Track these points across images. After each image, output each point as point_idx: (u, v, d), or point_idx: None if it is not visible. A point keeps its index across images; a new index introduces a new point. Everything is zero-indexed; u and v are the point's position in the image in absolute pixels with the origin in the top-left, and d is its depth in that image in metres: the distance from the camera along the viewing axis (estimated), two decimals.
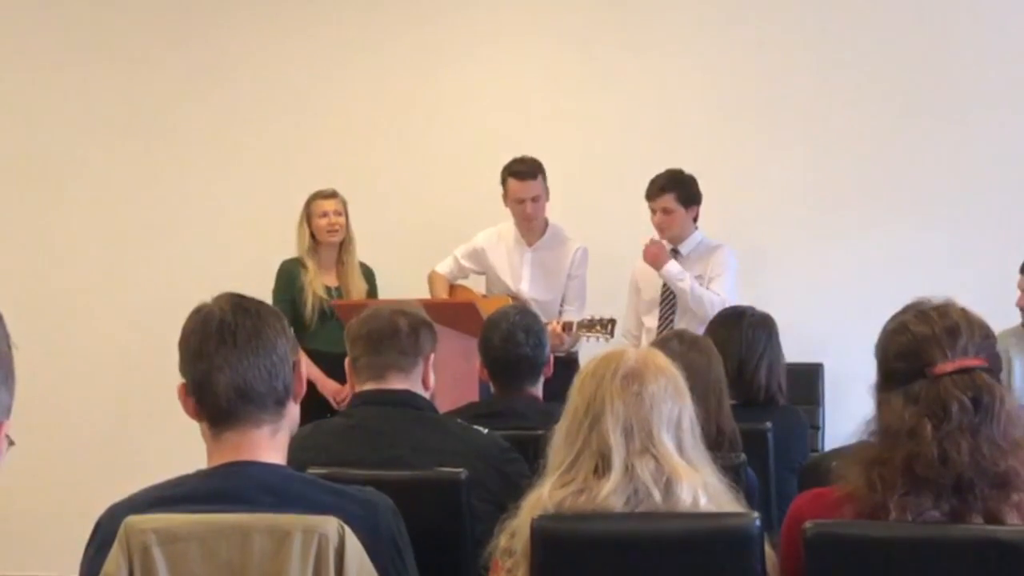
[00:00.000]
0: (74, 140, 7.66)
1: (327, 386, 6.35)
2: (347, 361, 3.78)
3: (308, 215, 6.68)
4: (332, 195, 6.70)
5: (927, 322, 2.68)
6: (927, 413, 2.59)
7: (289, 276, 6.63)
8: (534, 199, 6.66)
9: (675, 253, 6.64)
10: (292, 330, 2.74)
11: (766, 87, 7.18)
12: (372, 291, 6.74)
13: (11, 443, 1.71)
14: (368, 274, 6.82)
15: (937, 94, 7.06)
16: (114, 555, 2.45)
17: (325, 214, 6.66)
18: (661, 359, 2.89)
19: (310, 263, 6.65)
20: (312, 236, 6.68)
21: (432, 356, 3.74)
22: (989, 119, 7.01)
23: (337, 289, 6.68)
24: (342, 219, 6.69)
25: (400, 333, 3.67)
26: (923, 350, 2.64)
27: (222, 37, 7.63)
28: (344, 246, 6.74)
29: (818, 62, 7.15)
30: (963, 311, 2.72)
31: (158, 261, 7.57)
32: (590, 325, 6.42)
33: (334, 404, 6.20)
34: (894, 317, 2.80)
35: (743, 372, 4.65)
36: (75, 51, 7.68)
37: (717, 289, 6.42)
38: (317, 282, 6.60)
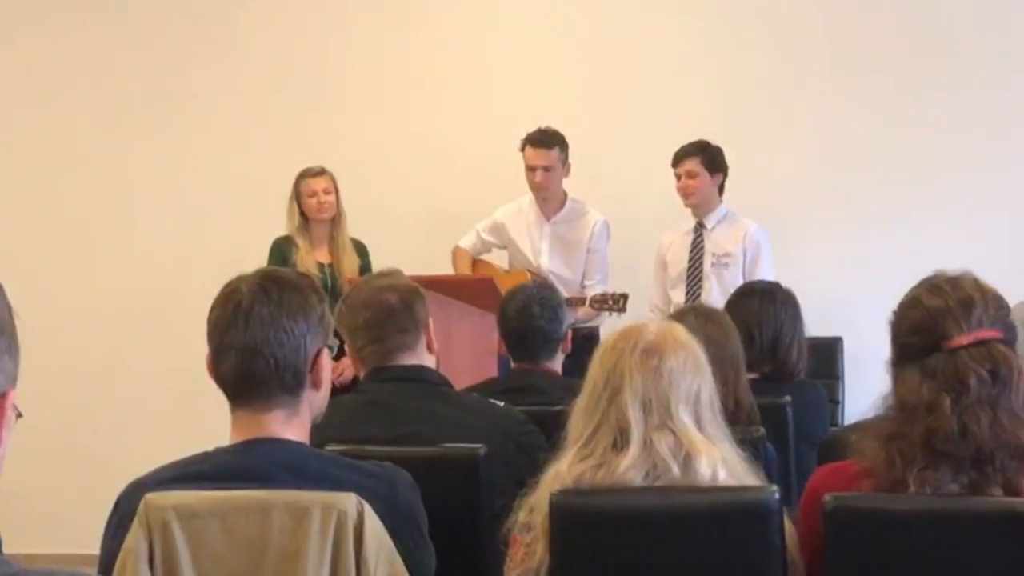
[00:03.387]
0: (74, 117, 7.68)
1: None
2: (349, 350, 3.75)
3: (297, 194, 6.66)
4: (321, 173, 6.67)
5: (940, 295, 2.67)
6: (945, 387, 2.58)
7: (280, 254, 6.60)
8: (545, 168, 6.65)
9: (700, 227, 6.64)
10: (328, 316, 2.70)
11: (786, 59, 7.15)
12: (366, 266, 6.68)
13: (19, 415, 1.71)
14: (361, 249, 6.80)
15: (961, 65, 7.02)
16: (134, 532, 2.47)
17: (314, 194, 6.64)
18: (681, 333, 2.88)
19: (301, 241, 6.64)
20: (302, 214, 6.67)
21: (429, 320, 3.72)
22: (1009, 90, 6.98)
23: (330, 265, 6.66)
24: (331, 197, 6.66)
25: (395, 312, 3.63)
26: (938, 324, 2.63)
27: (216, 13, 7.62)
28: (335, 222, 6.71)
29: (839, 33, 7.12)
30: (976, 282, 2.71)
31: (162, 240, 7.57)
32: (602, 300, 6.42)
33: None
34: (908, 291, 2.79)
35: (777, 348, 4.64)
36: (73, 32, 7.70)
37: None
38: (309, 259, 6.58)
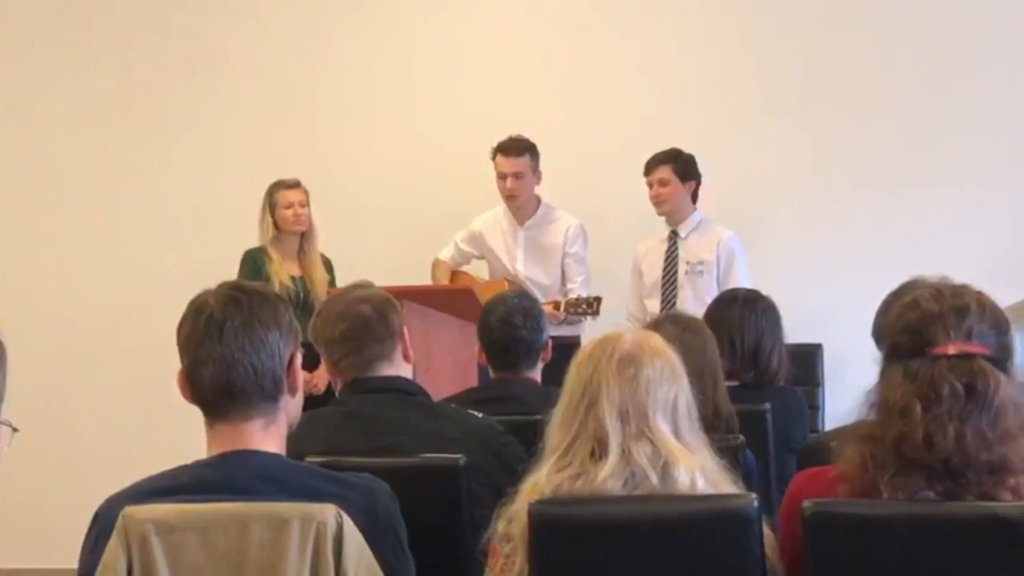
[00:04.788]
0: (63, 127, 7.67)
1: None
2: (326, 363, 3.77)
3: (272, 205, 6.65)
4: (296, 185, 6.68)
5: (939, 301, 2.65)
6: (919, 393, 2.57)
7: (254, 265, 6.60)
8: (516, 175, 6.72)
9: (674, 235, 6.65)
10: (295, 322, 2.72)
11: (763, 65, 7.17)
12: (332, 282, 6.68)
13: (14, 429, 1.72)
14: (328, 265, 6.80)
15: (938, 69, 7.04)
16: (112, 546, 2.46)
17: (290, 205, 6.64)
18: (658, 342, 2.88)
19: (274, 253, 6.64)
20: (275, 226, 6.66)
21: (404, 330, 3.74)
22: (987, 94, 7.01)
23: (301, 278, 6.66)
24: (306, 210, 6.67)
25: (370, 323, 3.66)
26: (928, 328, 2.62)
27: (195, 27, 7.62)
28: (307, 235, 6.72)
29: (816, 39, 7.15)
30: (979, 295, 2.68)
31: (153, 248, 7.57)
32: (576, 304, 6.45)
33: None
34: (908, 288, 2.78)
35: (758, 356, 4.65)
36: (64, 37, 7.69)
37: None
38: (282, 271, 6.58)
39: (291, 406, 2.70)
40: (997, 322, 2.66)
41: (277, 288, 6.42)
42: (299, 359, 2.70)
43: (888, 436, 2.58)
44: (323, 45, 7.53)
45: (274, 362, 2.62)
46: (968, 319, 2.62)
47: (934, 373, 2.58)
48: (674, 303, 6.54)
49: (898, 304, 2.75)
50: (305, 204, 6.67)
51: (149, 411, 7.28)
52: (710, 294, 6.20)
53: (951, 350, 2.59)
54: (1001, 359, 2.64)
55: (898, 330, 2.69)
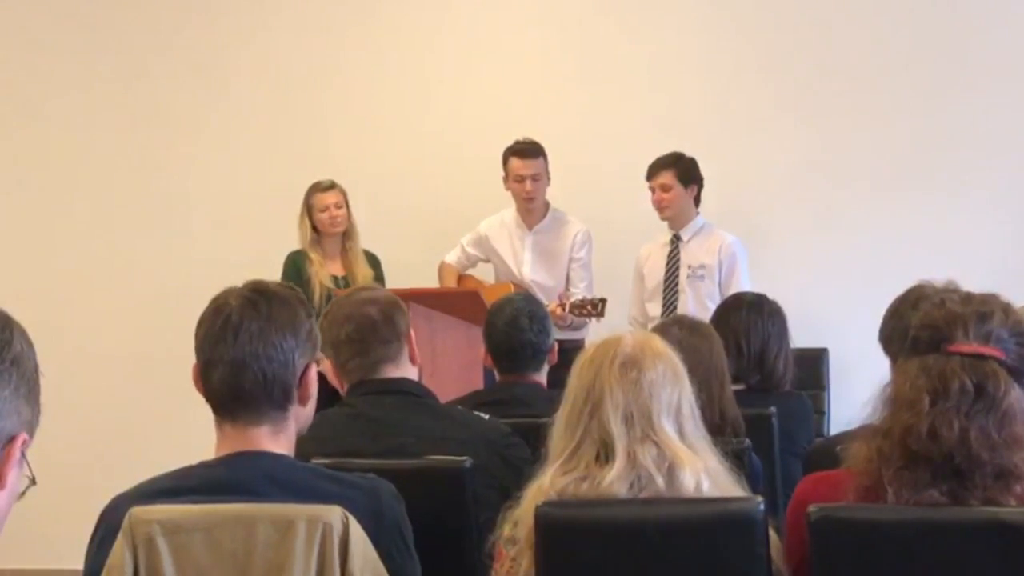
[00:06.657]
0: (74, 130, 7.67)
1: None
2: (332, 364, 3.76)
3: (308, 208, 6.71)
4: (331, 187, 6.72)
5: (966, 304, 2.67)
6: (929, 387, 2.58)
7: (295, 267, 6.64)
8: (534, 177, 6.73)
9: (676, 239, 6.65)
10: (315, 330, 2.69)
11: (767, 68, 7.17)
12: (378, 277, 6.75)
13: (33, 482, 1.75)
14: (373, 261, 6.83)
15: (941, 73, 7.03)
16: (118, 546, 2.46)
17: (326, 208, 6.68)
18: (658, 344, 2.88)
19: (314, 255, 6.67)
20: (314, 228, 6.70)
21: (411, 332, 3.74)
22: (992, 99, 7.00)
23: (344, 278, 6.68)
24: (343, 211, 6.71)
25: (377, 325, 3.66)
26: (948, 326, 2.64)
27: (223, 26, 7.63)
28: (347, 235, 6.76)
29: (820, 42, 7.14)
30: (1007, 305, 2.70)
31: (163, 252, 7.57)
32: (581, 306, 6.45)
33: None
34: (915, 292, 2.79)
35: (764, 360, 4.66)
36: (74, 40, 7.70)
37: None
38: (323, 272, 6.62)
39: (302, 415, 2.68)
40: (1021, 333, 2.67)
41: (317, 289, 6.48)
42: (314, 370, 2.66)
43: (896, 428, 2.59)
44: (332, 50, 7.53)
45: (286, 372, 2.59)
46: (990, 324, 2.63)
47: (946, 368, 2.59)
48: (675, 307, 6.53)
49: (926, 303, 2.77)
50: (342, 205, 6.73)
51: (154, 411, 7.28)
52: (711, 299, 6.23)
53: (966, 349, 2.60)
54: (1020, 370, 2.64)
55: (920, 325, 2.70)
